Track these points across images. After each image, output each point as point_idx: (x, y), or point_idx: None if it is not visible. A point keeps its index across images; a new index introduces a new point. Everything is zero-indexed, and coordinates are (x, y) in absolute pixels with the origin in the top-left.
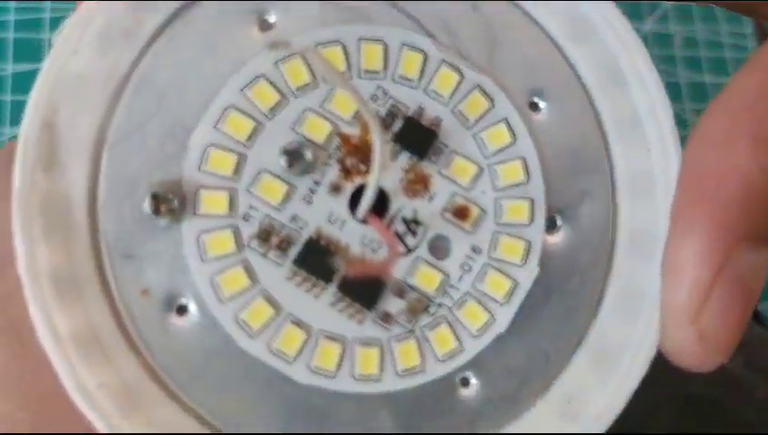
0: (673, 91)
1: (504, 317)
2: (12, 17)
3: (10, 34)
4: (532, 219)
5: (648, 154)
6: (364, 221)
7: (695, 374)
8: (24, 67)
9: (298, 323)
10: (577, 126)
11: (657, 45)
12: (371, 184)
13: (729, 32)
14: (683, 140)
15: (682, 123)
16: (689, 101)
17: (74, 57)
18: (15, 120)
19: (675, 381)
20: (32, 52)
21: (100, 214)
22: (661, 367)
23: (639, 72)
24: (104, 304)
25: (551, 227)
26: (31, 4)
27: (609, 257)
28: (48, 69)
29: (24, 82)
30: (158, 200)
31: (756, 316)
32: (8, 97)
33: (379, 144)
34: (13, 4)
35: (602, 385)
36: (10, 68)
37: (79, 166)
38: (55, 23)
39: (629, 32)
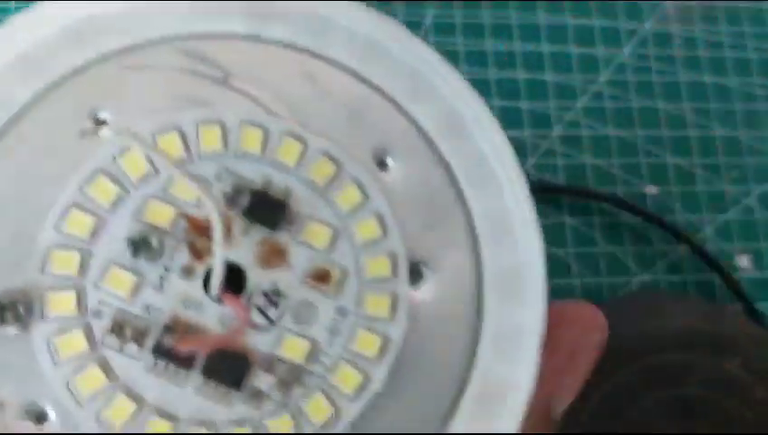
0: (673, 91)
1: (380, 374)
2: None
3: None
4: (395, 273)
5: (501, 194)
6: (220, 300)
7: (693, 375)
8: None
9: (164, 415)
10: (427, 178)
11: (658, 45)
12: (217, 259)
13: (729, 32)
14: (682, 139)
15: (682, 123)
16: (689, 101)
17: None
18: None
19: (673, 382)
20: None
21: None
22: (659, 368)
23: (480, 120)
24: None
25: (416, 278)
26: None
27: (479, 300)
28: None
29: None
30: (2, 310)
31: (754, 316)
32: None
33: (217, 217)
34: (13, 4)
35: (488, 427)
36: None
37: None
38: None
39: (462, 83)
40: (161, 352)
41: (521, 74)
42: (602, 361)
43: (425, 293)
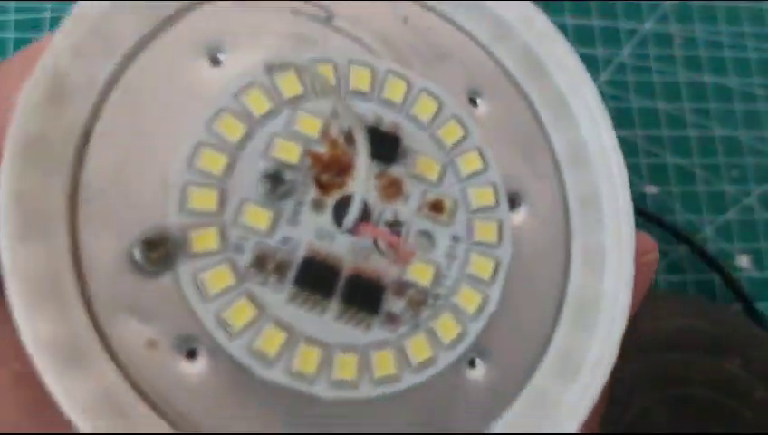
0: (673, 91)
1: (495, 294)
2: (12, 17)
3: (10, 35)
4: (497, 201)
5: (578, 128)
6: (351, 232)
7: (693, 375)
8: None
9: (312, 342)
10: (514, 115)
11: (658, 45)
12: (357, 196)
13: (729, 32)
14: (682, 139)
15: (681, 123)
16: (689, 101)
17: (32, 120)
18: None
19: (673, 382)
20: None
21: (88, 275)
22: (660, 369)
23: (558, 58)
24: (112, 366)
25: (514, 205)
26: (31, 4)
27: (567, 223)
28: (10, 139)
29: None
30: (147, 248)
31: (754, 316)
32: None
33: (366, 157)
34: (13, 5)
35: (590, 336)
36: None
37: (57, 230)
38: (55, 23)
39: (546, 24)
40: (302, 282)
41: None
42: None
43: (522, 218)
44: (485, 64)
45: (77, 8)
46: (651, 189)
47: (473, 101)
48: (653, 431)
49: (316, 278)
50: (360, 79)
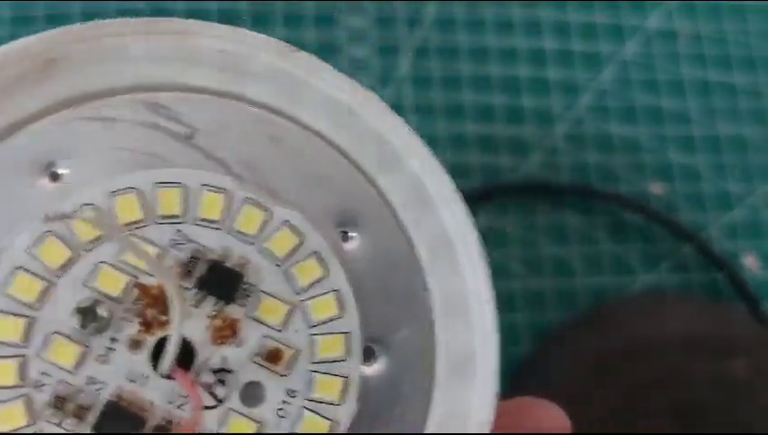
0: (677, 89)
1: None
2: (8, 14)
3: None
4: (348, 353)
5: (460, 274)
6: (169, 376)
7: (699, 376)
8: None
9: None
10: (390, 253)
11: (662, 43)
12: (173, 341)
13: (734, 29)
14: (687, 137)
15: (686, 121)
16: (693, 98)
17: None
18: None
19: (678, 384)
20: None
21: None
22: (664, 370)
23: (444, 196)
24: None
25: (368, 357)
26: (28, 4)
27: (430, 380)
28: None
29: None
30: None
31: (760, 316)
32: None
33: (178, 301)
34: (8, 5)
35: None
36: None
37: None
38: (51, 20)
39: (431, 158)
40: (102, 428)
41: (523, 71)
42: (607, 362)
43: (377, 370)
44: (363, 193)
45: None
46: (656, 188)
47: (344, 234)
48: (657, 432)
49: (118, 425)
50: (210, 206)
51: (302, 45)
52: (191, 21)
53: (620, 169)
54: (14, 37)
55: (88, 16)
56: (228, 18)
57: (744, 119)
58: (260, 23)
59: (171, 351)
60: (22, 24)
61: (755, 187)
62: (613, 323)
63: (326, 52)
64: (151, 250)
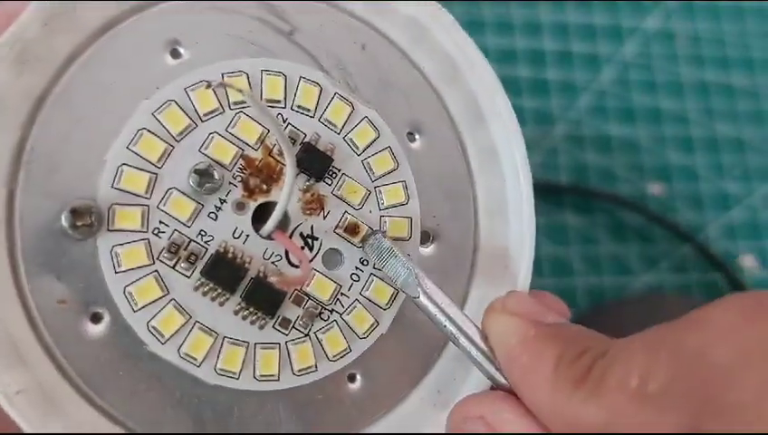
0: (675, 89)
1: (386, 320)
2: None
3: None
4: (410, 235)
5: (503, 182)
6: (268, 237)
7: None
8: None
9: (205, 330)
10: (446, 157)
11: (661, 43)
12: (280, 206)
13: (732, 30)
14: (686, 138)
15: (684, 122)
16: (692, 99)
17: None
18: None
19: None
20: None
21: (17, 228)
22: None
23: (498, 111)
24: (21, 313)
25: (424, 240)
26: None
27: (471, 269)
28: None
29: None
30: (75, 215)
31: None
32: None
33: (292, 173)
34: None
35: (466, 375)
36: None
37: None
38: None
39: (491, 74)
40: (209, 274)
41: (523, 71)
42: None
43: (430, 252)
44: (431, 104)
45: (8, 34)
46: (655, 189)
47: (411, 135)
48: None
49: (223, 272)
50: (306, 96)
51: None
52: None
53: (619, 169)
54: None
55: None
56: None
57: (743, 119)
58: None
59: (276, 216)
60: None
61: (754, 187)
62: (612, 322)
63: None
64: (257, 128)
